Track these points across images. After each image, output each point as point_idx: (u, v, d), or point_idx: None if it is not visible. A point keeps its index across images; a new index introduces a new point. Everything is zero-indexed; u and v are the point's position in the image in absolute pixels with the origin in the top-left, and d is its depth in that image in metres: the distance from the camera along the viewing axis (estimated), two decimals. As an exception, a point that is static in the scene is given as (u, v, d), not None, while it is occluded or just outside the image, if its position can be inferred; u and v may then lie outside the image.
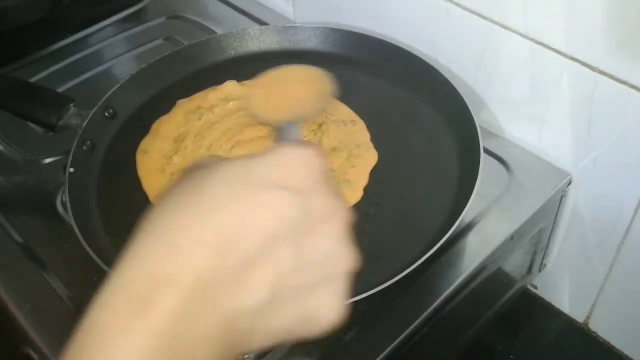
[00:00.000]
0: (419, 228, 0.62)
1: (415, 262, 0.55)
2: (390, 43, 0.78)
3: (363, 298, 0.53)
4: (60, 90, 0.83)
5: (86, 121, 0.70)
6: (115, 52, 0.93)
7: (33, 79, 0.87)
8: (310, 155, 0.32)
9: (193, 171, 0.32)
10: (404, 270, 0.54)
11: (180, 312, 0.27)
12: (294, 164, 0.32)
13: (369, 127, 0.72)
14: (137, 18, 0.99)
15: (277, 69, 0.44)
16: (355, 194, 0.65)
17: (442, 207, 0.63)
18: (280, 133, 0.39)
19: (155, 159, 0.70)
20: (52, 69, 0.90)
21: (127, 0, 1.00)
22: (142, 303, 0.27)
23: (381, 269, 0.57)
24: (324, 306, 0.31)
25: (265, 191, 0.30)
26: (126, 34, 0.96)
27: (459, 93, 0.69)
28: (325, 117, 0.72)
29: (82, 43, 0.95)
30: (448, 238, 0.57)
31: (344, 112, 0.73)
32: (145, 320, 0.27)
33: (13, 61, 0.91)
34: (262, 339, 0.30)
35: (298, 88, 0.43)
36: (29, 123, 0.77)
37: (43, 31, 0.94)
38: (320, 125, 0.71)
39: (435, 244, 0.56)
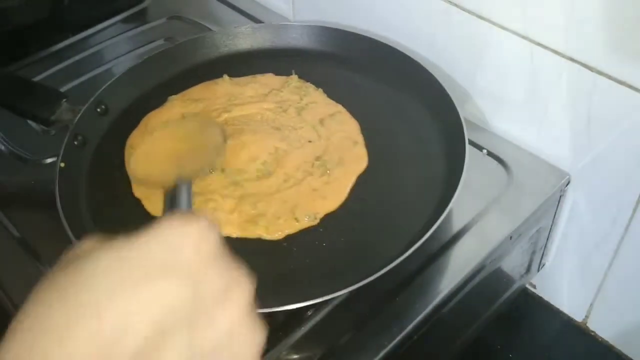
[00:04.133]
0: (406, 224, 0.62)
1: (402, 255, 0.55)
2: (382, 42, 0.77)
3: (363, 298, 0.53)
4: (61, 90, 0.84)
5: (78, 116, 0.70)
6: (116, 52, 0.93)
7: (34, 79, 0.87)
8: (196, 230, 0.29)
9: (70, 259, 0.29)
10: (391, 262, 0.54)
11: None
12: (179, 242, 0.29)
13: (360, 127, 0.72)
14: (138, 19, 1.00)
15: (163, 129, 0.42)
16: (340, 197, 0.65)
17: (431, 203, 0.63)
18: (170, 199, 0.36)
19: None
20: (53, 69, 0.90)
21: (129, 0, 1.00)
22: None
23: (367, 264, 0.57)
24: None
25: (147, 281, 0.27)
26: (127, 34, 0.96)
27: (447, 93, 0.69)
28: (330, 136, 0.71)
29: (83, 43, 0.95)
30: (436, 228, 0.57)
31: (354, 130, 0.72)
32: None
33: (14, 61, 0.91)
34: None
35: (183, 144, 0.41)
36: (29, 122, 0.77)
37: (44, 32, 0.95)
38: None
39: (423, 235, 0.56)
